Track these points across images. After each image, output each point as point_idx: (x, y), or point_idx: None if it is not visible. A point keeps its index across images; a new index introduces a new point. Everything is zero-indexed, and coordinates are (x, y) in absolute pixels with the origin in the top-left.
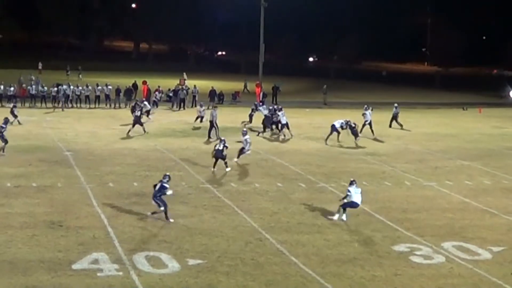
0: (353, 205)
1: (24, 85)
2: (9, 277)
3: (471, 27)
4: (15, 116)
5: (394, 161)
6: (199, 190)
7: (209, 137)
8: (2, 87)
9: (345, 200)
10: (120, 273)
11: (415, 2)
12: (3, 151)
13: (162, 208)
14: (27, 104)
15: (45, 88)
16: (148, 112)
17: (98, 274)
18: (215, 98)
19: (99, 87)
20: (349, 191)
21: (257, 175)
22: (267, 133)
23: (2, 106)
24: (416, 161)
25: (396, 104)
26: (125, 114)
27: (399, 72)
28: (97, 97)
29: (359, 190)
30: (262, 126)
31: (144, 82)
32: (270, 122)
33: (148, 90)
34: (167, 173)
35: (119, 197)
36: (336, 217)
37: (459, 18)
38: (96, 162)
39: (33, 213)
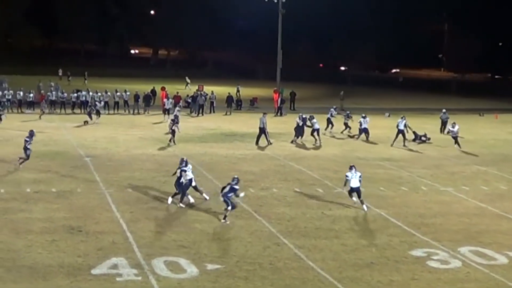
0: (353, 189)
1: (42, 91)
2: (29, 282)
3: (487, 33)
4: None
5: (410, 167)
6: (217, 196)
7: (258, 143)
8: (21, 93)
9: (345, 187)
10: (139, 277)
11: (432, 8)
12: (21, 165)
13: (230, 208)
14: (46, 110)
15: (65, 94)
16: (98, 113)
17: (117, 279)
18: (232, 104)
19: (118, 93)
20: (346, 175)
21: (275, 180)
22: (299, 140)
23: (22, 112)
24: (432, 166)
25: (444, 110)
26: (144, 120)
27: (416, 78)
28: (116, 103)
29: (358, 174)
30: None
31: (163, 89)
32: (302, 130)
33: (167, 96)
34: (236, 176)
35: (138, 202)
36: (364, 207)
37: (476, 25)
38: (115, 168)
39: (53, 218)
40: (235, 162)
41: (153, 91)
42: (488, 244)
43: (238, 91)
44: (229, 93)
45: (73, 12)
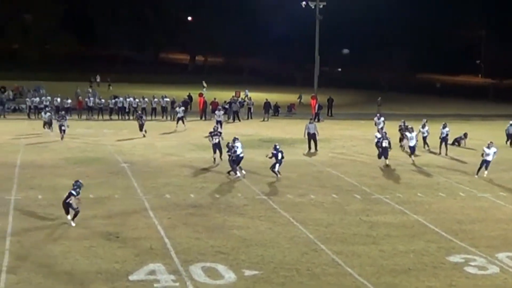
0: (238, 158)
1: (80, 97)
2: None
3: None
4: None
5: (448, 173)
6: (255, 201)
7: (310, 148)
8: (59, 99)
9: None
10: (177, 284)
11: (469, 14)
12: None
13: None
14: (84, 116)
15: (102, 100)
16: (49, 124)
17: (155, 285)
18: (270, 110)
19: (156, 99)
20: (236, 146)
21: (312, 186)
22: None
23: None
24: (470, 172)
25: (511, 122)
26: (181, 126)
27: (453, 84)
28: (154, 109)
29: (240, 144)
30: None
31: (200, 95)
32: (383, 148)
33: (204, 102)
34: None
35: (175, 208)
36: (241, 175)
37: None
38: (152, 174)
39: (90, 225)
40: None
41: (190, 97)
42: None
43: (246, 95)
44: (266, 99)
45: (109, 18)
